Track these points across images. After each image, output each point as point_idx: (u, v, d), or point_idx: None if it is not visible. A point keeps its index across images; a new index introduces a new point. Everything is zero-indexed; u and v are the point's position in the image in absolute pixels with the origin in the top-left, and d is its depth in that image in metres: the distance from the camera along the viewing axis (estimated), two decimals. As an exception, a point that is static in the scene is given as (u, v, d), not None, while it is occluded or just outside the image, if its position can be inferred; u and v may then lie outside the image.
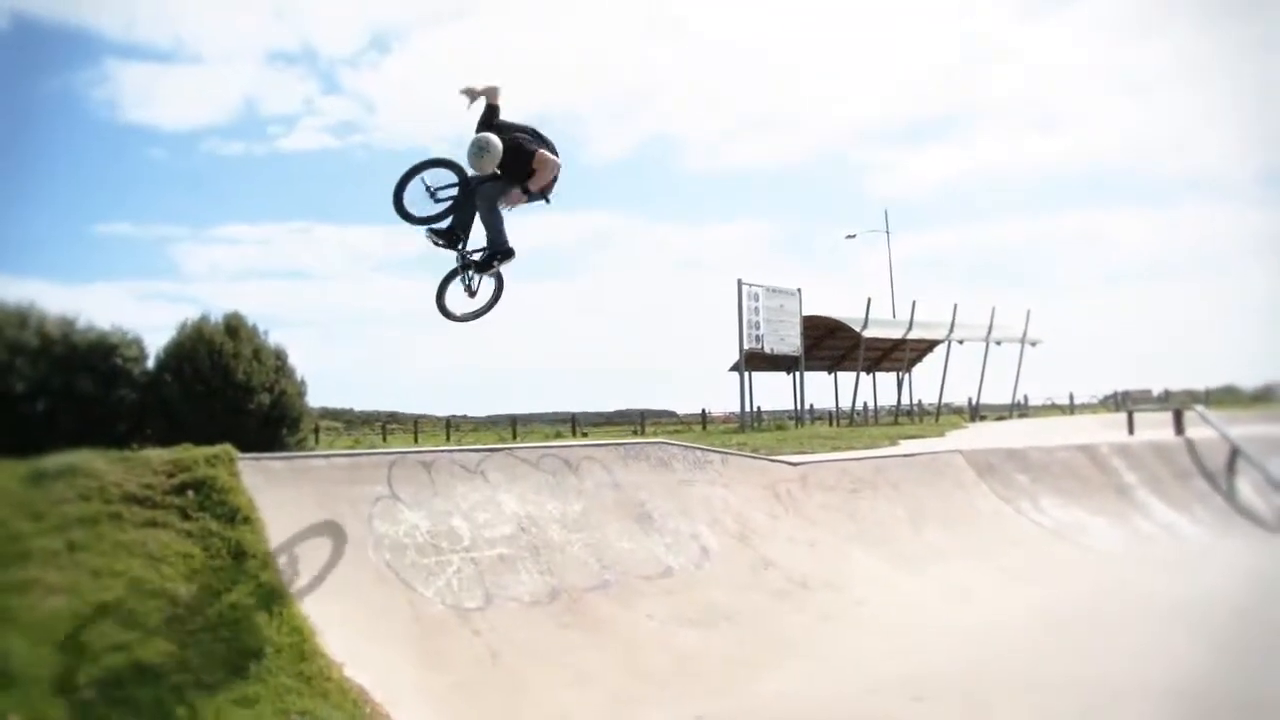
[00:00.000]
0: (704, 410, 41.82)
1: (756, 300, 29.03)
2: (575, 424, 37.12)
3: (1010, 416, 36.17)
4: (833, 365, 38.99)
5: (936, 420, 33.24)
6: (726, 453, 10.41)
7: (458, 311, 7.01)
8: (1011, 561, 10.38)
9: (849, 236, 56.19)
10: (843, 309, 35.37)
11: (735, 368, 29.69)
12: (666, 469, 9.23)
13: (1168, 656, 7.07)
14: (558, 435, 30.99)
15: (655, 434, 27.12)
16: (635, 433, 32.09)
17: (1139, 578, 10.07)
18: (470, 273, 6.87)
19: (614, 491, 8.55)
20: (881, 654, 7.32)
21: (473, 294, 6.96)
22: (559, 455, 8.57)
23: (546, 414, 44.81)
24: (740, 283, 28.30)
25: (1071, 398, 49.03)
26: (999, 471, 12.65)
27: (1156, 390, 52.74)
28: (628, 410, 49.74)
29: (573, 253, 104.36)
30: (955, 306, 35.60)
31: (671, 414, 50.97)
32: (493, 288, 7.02)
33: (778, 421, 36.52)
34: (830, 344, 37.46)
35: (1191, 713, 5.99)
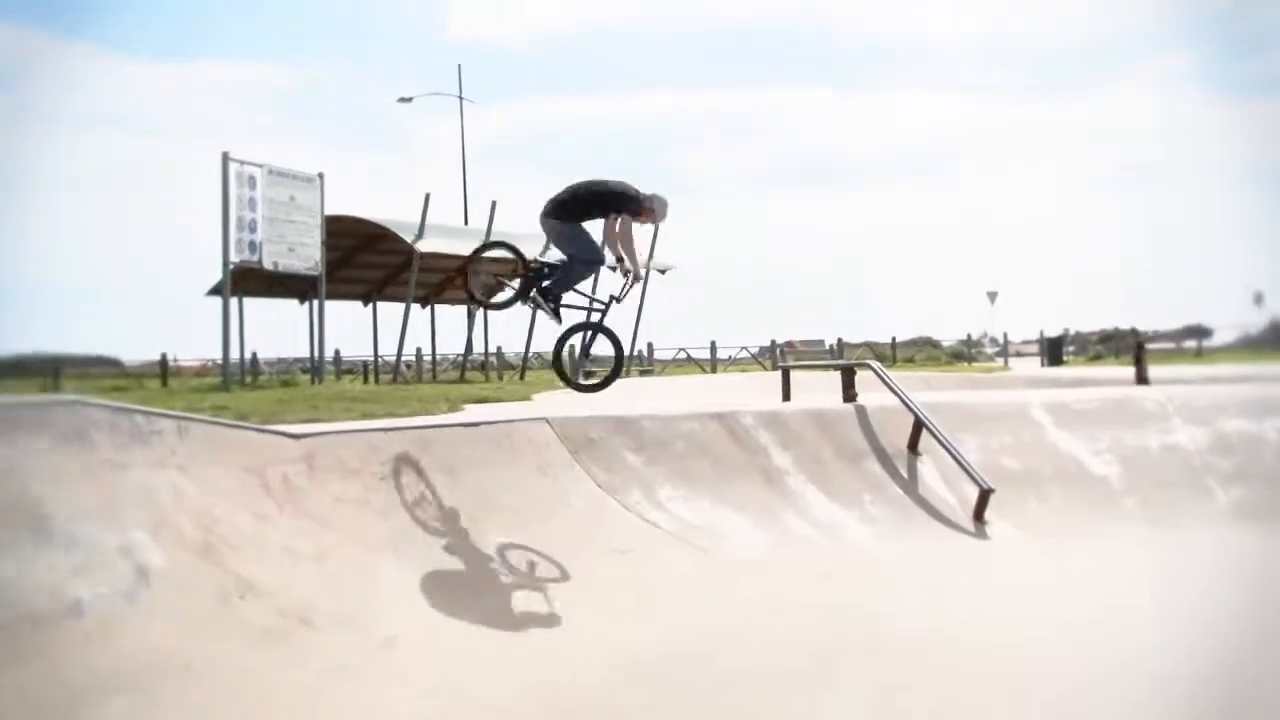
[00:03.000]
0: (165, 356, 40.15)
1: (252, 187, 28.28)
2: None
3: (629, 373, 38.66)
4: (371, 293, 39.08)
5: (522, 377, 34.62)
6: (187, 419, 10.00)
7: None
8: (611, 579, 11.00)
9: (403, 100, 56.50)
10: (390, 209, 35.55)
11: (217, 291, 28.83)
12: (82, 444, 8.71)
13: None
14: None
15: (81, 392, 25.43)
16: (45, 389, 30.04)
17: (784, 599, 11.15)
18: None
19: (-23, 478, 7.88)
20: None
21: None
22: None
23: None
24: (227, 159, 27.33)
25: (713, 349, 53.53)
26: (601, 449, 13.33)
27: (874, 344, 59.19)
28: (35, 355, 46.69)
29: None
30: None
31: (113, 361, 48.93)
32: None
33: (284, 374, 35.99)
34: (369, 261, 37.58)
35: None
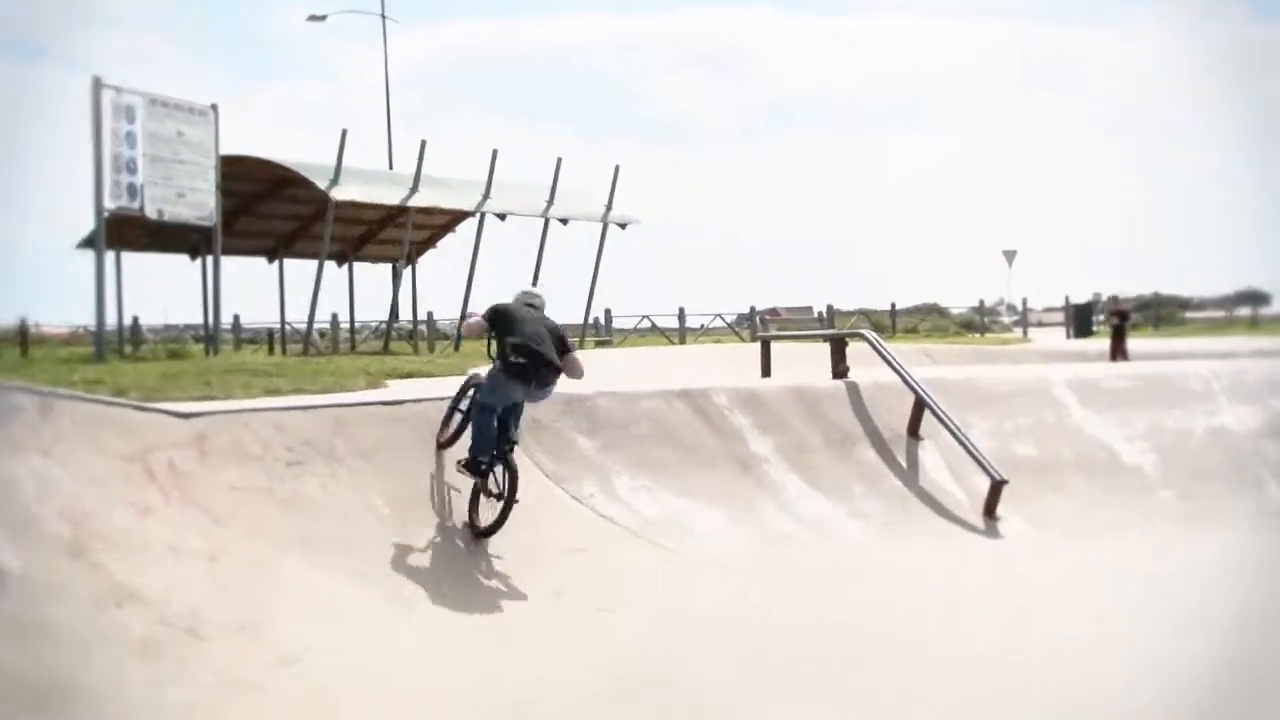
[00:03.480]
0: (25, 321, 39.87)
1: (130, 120, 27.94)
2: None
3: (583, 343, 38.66)
4: (277, 248, 38.90)
5: (457, 348, 34.52)
6: (53, 395, 9.93)
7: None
8: (562, 584, 11.07)
9: (315, 19, 56.00)
10: (298, 150, 35.40)
11: (89, 244, 28.60)
12: (-80, 424, 8.67)
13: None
14: None
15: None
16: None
17: (760, 605, 11.21)
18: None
19: None
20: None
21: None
22: None
23: None
24: (98, 85, 27.04)
25: (682, 316, 53.66)
26: (549, 433, 13.35)
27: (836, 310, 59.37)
28: None
29: None
30: (495, 154, 37.08)
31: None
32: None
33: (171, 343, 35.79)
34: (274, 210, 37.43)
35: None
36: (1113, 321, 37.70)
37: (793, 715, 8.43)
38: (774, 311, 57.76)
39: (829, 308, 58.76)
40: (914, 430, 16.08)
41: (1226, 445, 16.37)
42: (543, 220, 38.74)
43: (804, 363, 20.59)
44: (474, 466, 11.28)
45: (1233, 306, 66.46)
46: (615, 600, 10.94)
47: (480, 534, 11.46)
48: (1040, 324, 67.09)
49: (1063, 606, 11.22)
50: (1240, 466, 15.99)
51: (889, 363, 16.81)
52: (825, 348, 18.80)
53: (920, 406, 16.03)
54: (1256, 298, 67.59)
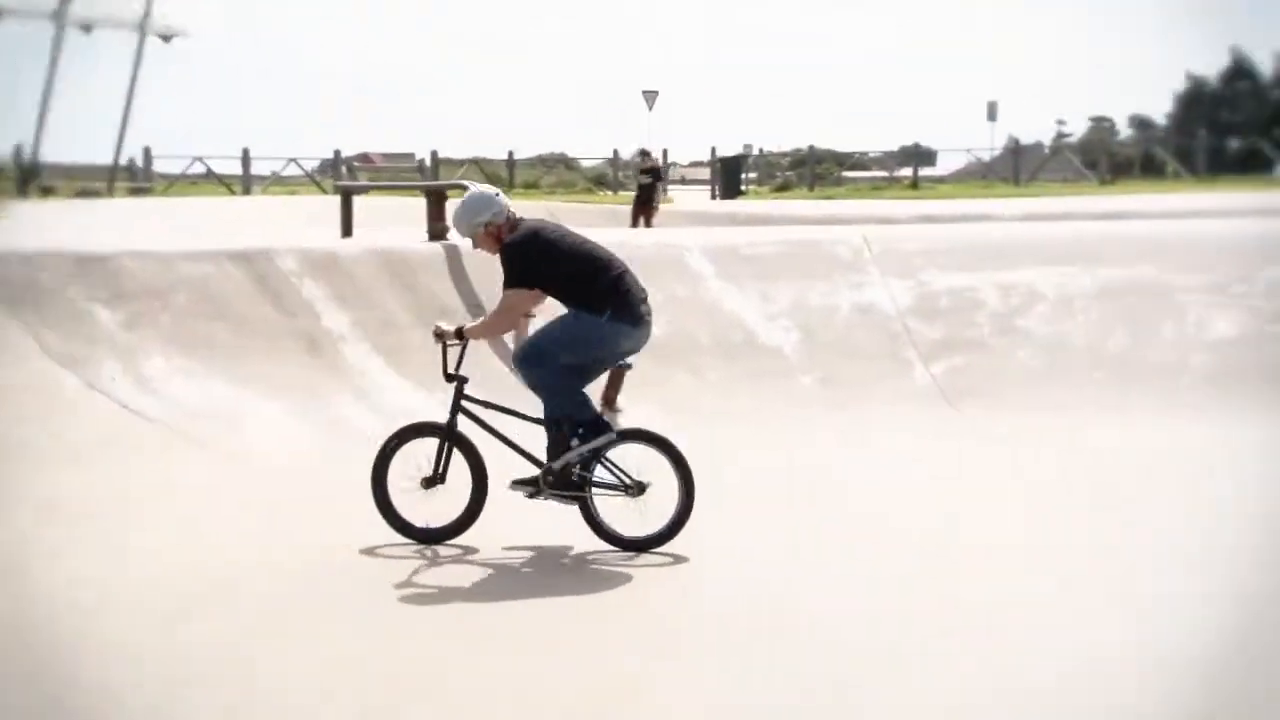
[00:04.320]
0: None
1: None
2: None
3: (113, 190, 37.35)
4: None
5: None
6: None
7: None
8: (68, 497, 10.71)
9: None
10: None
11: None
12: None
13: None
14: None
15: None
16: None
17: (333, 521, 10.75)
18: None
19: None
20: None
21: None
22: None
23: None
24: None
25: (246, 160, 52.12)
26: (55, 301, 13.02)
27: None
28: None
29: None
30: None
31: None
32: None
33: None
34: None
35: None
36: (641, 179, 37.83)
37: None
38: (365, 158, 57.15)
39: (434, 155, 58.48)
40: (522, 305, 15.98)
41: (875, 324, 16.76)
42: (54, 24, 36.94)
43: (397, 222, 20.34)
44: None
45: (895, 166, 69.18)
46: (137, 516, 10.53)
47: None
48: (684, 180, 68.36)
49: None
50: (889, 348, 16.39)
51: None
52: (423, 203, 18.60)
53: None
54: (921, 156, 70.54)
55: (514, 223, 10.07)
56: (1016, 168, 59.52)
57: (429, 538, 10.03)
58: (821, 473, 12.49)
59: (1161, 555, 9.62)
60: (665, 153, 65.13)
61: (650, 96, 63.71)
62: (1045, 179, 59.85)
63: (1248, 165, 48.01)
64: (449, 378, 10.16)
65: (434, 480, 10.03)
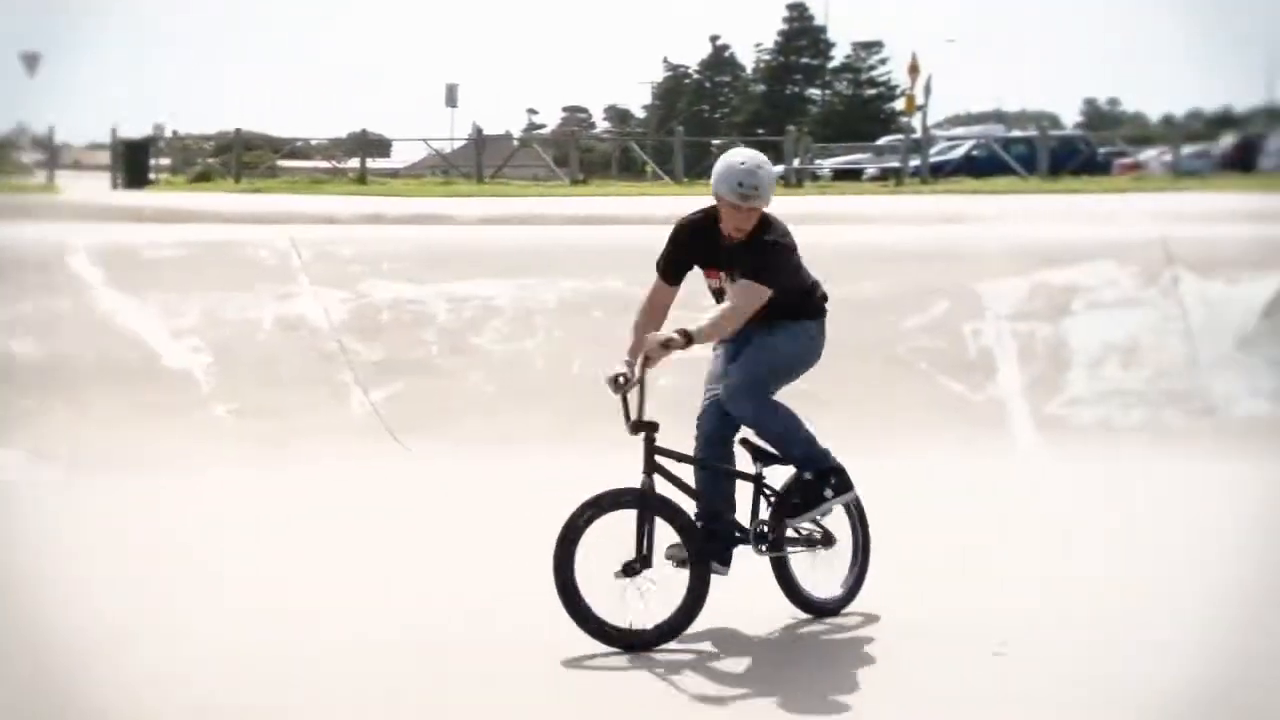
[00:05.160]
0: None
1: None
2: None
3: None
4: None
5: None
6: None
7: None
8: None
9: None
10: None
11: None
12: None
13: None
14: None
15: None
16: None
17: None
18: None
19: None
20: None
21: None
22: None
23: None
24: None
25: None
26: None
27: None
28: None
29: None
30: None
31: None
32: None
33: None
34: None
35: None
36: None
37: None
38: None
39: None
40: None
41: (304, 343, 16.66)
42: None
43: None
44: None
45: (343, 156, 69.06)
46: None
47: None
48: (79, 165, 66.61)
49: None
50: (322, 371, 16.33)
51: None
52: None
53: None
54: (371, 145, 70.38)
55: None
56: (480, 162, 59.88)
57: (635, 643, 8.77)
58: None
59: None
60: (52, 130, 62.42)
61: (31, 60, 61.08)
62: (511, 175, 60.43)
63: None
64: (636, 426, 8.85)
65: (636, 566, 8.74)
